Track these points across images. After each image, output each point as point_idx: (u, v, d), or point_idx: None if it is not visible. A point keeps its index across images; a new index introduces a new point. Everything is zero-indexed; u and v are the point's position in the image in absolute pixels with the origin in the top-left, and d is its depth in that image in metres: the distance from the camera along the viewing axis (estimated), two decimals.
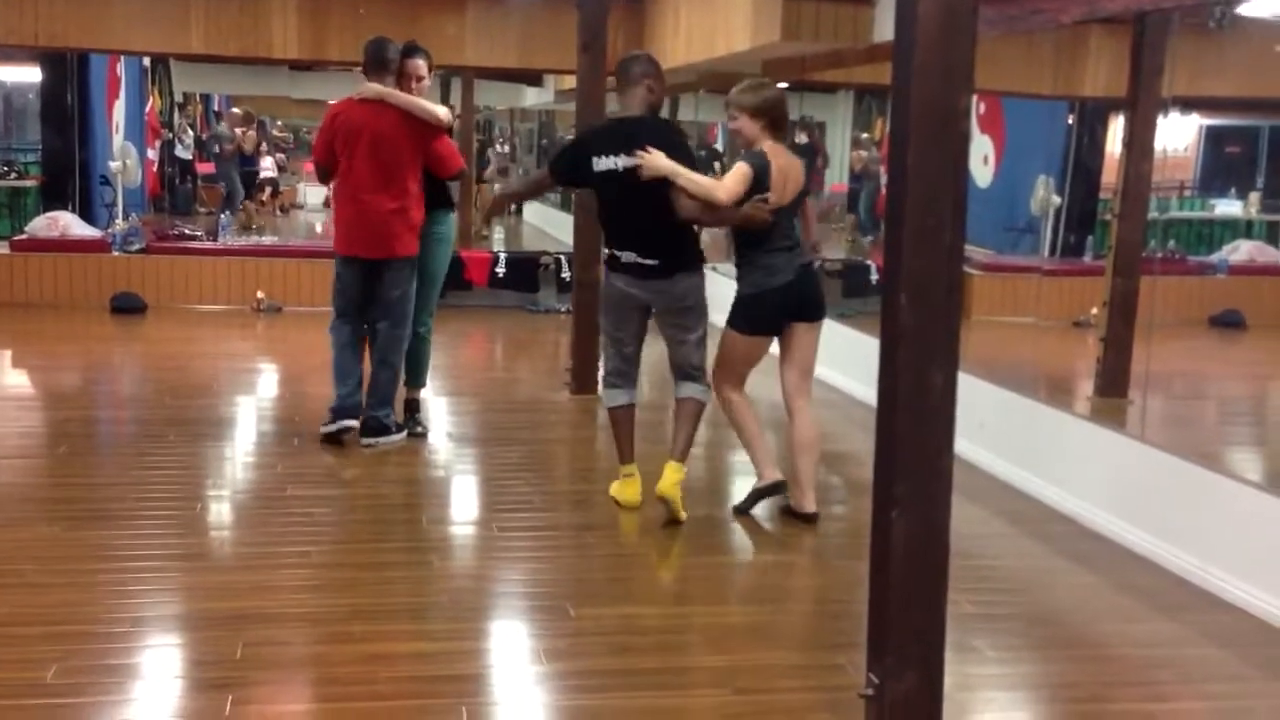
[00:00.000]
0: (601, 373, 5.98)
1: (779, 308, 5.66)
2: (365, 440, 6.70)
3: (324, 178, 7.04)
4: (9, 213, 15.38)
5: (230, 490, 6.10)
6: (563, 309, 11.43)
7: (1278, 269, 12.42)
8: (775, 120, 5.64)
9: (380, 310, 6.69)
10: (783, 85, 13.68)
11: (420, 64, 6.67)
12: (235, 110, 20.65)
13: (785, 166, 5.55)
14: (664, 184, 5.37)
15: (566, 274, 11.92)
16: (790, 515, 5.74)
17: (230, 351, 9.94)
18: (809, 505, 5.69)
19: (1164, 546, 5.26)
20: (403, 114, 6.48)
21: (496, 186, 22.05)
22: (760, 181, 5.47)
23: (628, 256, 5.58)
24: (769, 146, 5.57)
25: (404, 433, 6.85)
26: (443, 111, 6.66)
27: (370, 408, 6.73)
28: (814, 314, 5.74)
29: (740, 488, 6.75)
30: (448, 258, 7.03)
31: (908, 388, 3.41)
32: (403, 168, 6.51)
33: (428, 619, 4.52)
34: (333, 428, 6.64)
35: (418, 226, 6.63)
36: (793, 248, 5.65)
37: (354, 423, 6.67)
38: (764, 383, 6.16)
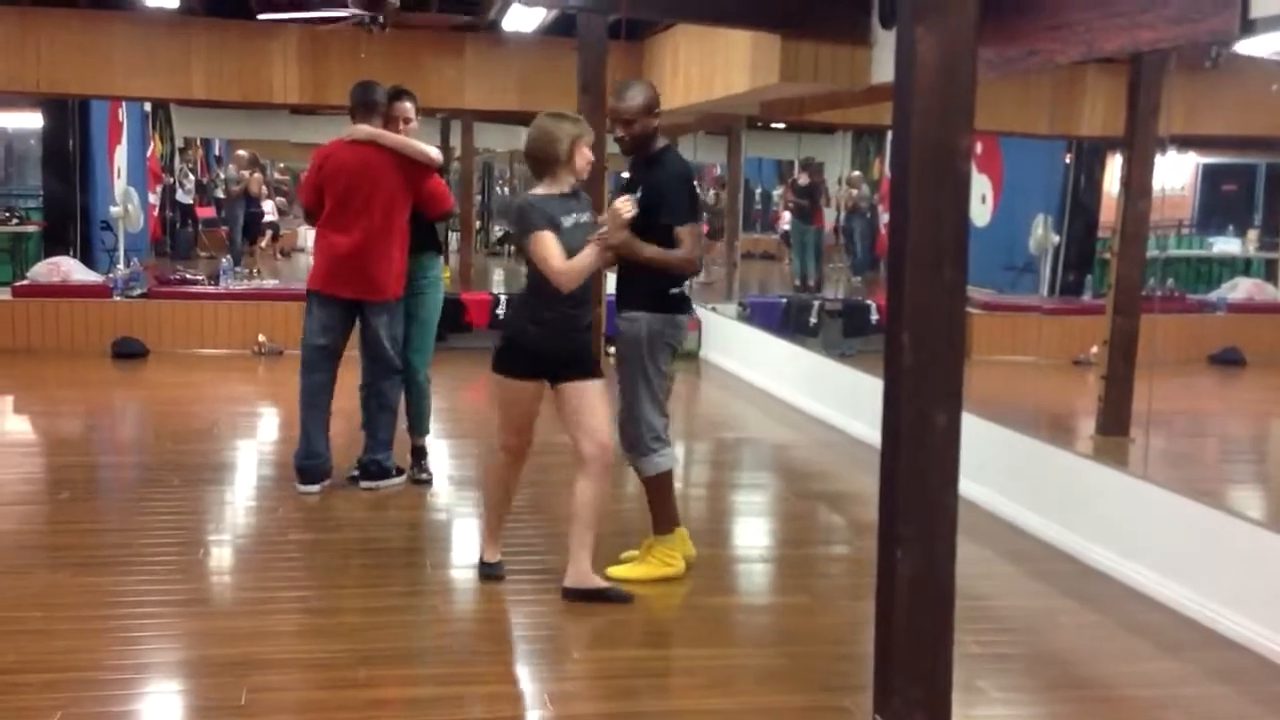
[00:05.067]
0: (652, 434, 5.31)
1: None
2: (366, 484, 6.71)
3: (312, 220, 7.06)
4: (10, 258, 15.42)
5: (232, 535, 6.09)
6: None
7: (1276, 307, 12.43)
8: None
9: (371, 355, 6.69)
10: (779, 125, 13.85)
11: (408, 107, 6.69)
12: (241, 153, 20.73)
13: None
14: None
15: None
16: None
17: (231, 395, 9.94)
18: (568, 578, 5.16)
19: (1167, 585, 5.25)
20: (395, 155, 6.51)
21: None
22: None
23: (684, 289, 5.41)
24: None
25: (404, 476, 6.86)
26: (434, 151, 6.69)
27: (371, 451, 6.74)
28: None
29: (743, 528, 6.76)
30: (440, 301, 6.98)
31: (911, 427, 3.42)
32: (394, 209, 6.53)
33: (431, 664, 4.51)
34: (314, 488, 6.63)
35: (403, 269, 6.64)
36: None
37: (316, 488, 6.65)
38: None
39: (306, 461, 6.65)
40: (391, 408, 6.76)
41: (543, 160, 4.99)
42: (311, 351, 6.67)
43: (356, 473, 6.80)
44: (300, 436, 6.67)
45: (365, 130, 6.52)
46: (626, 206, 5.00)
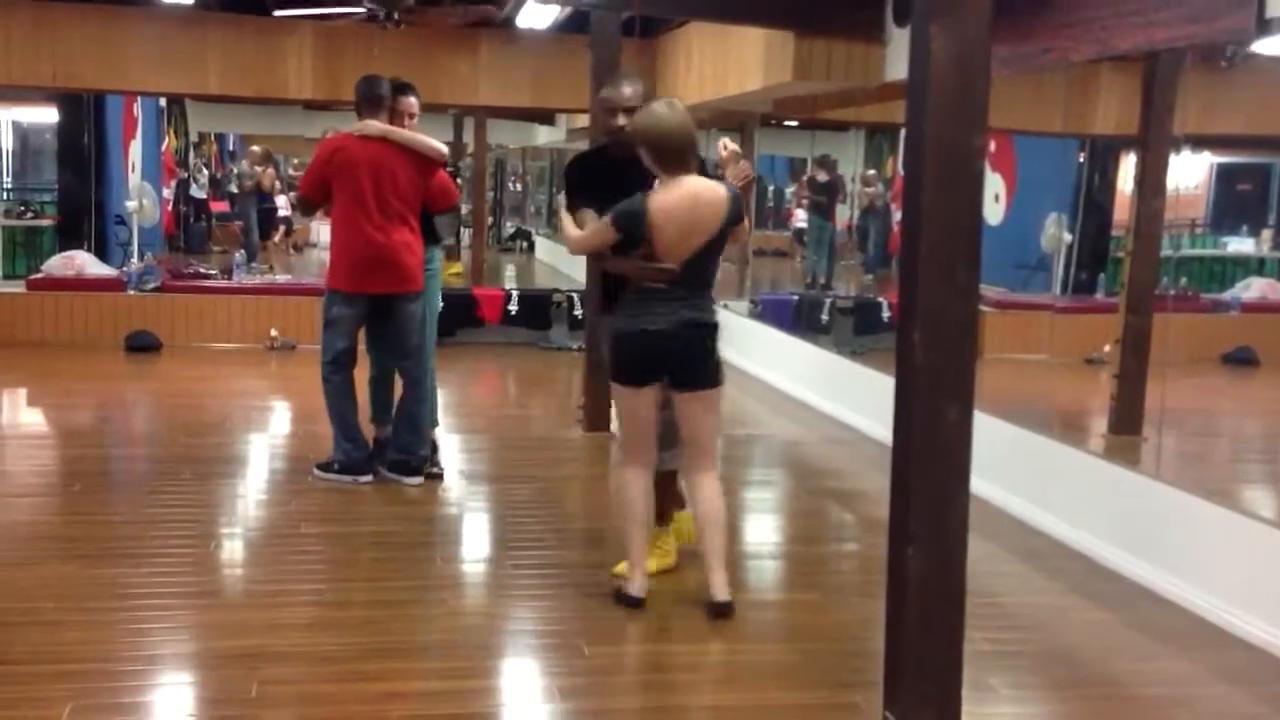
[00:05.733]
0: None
1: (638, 355, 4.88)
2: (413, 481, 6.73)
3: (308, 211, 7.10)
4: (25, 252, 15.49)
5: (244, 528, 6.10)
6: (575, 346, 11.46)
7: None
8: (661, 152, 4.74)
9: (401, 348, 6.72)
10: (792, 123, 13.85)
11: (413, 101, 6.75)
12: (255, 149, 20.76)
13: (676, 212, 4.72)
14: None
15: (579, 311, 11.96)
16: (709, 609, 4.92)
17: (244, 389, 9.96)
18: (718, 593, 4.90)
19: (1178, 584, 5.24)
20: (406, 150, 6.54)
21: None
22: (633, 236, 4.76)
23: None
24: (661, 186, 4.77)
25: (421, 478, 6.87)
26: (442, 145, 6.74)
27: (416, 447, 6.76)
28: (684, 377, 4.90)
29: (753, 524, 6.76)
30: (439, 292, 7.10)
31: (923, 425, 3.42)
32: (408, 203, 6.58)
33: (441, 657, 4.52)
34: (347, 481, 6.67)
35: (422, 261, 6.70)
36: (685, 299, 4.84)
37: (367, 478, 6.72)
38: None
39: (361, 453, 6.74)
40: (427, 399, 6.80)
41: (691, 151, 4.81)
42: (341, 352, 6.71)
43: (380, 469, 6.81)
44: (349, 434, 6.71)
45: (377, 126, 6.54)
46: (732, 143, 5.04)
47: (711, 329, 4.95)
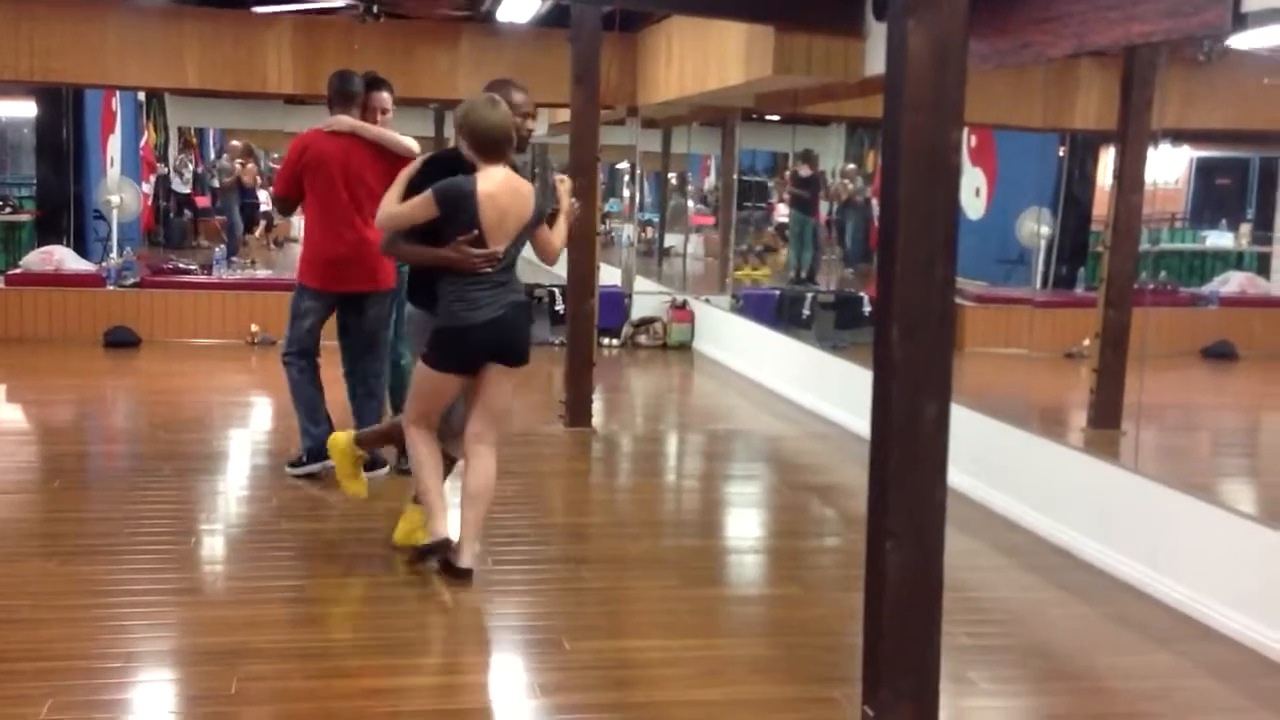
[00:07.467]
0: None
1: (475, 346, 5.12)
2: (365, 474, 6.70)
3: (287, 210, 7.05)
4: (3, 247, 15.39)
5: (224, 524, 6.09)
6: (556, 341, 11.45)
7: (1268, 300, 12.46)
8: (483, 143, 5.02)
9: (363, 344, 6.69)
10: (774, 117, 13.86)
11: (386, 97, 6.71)
12: (235, 143, 20.68)
13: (499, 196, 5.00)
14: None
15: (560, 306, 11.94)
16: (445, 569, 5.15)
17: (224, 385, 9.93)
18: (464, 559, 5.11)
19: (1158, 578, 5.26)
20: (376, 147, 6.51)
21: None
22: (456, 215, 4.98)
23: None
24: (483, 174, 5.01)
25: (387, 468, 6.84)
26: (413, 144, 6.70)
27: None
28: (514, 358, 5.23)
29: (734, 519, 6.77)
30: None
31: (901, 420, 3.43)
32: (377, 199, 6.53)
33: (422, 653, 4.52)
34: (315, 468, 6.65)
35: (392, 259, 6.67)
36: (505, 283, 5.16)
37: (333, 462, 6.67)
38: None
39: (327, 434, 6.67)
40: (379, 396, 6.78)
41: (508, 145, 5.09)
42: (304, 344, 6.70)
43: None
44: (314, 417, 6.70)
45: (347, 122, 6.51)
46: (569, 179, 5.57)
47: (529, 305, 5.44)
